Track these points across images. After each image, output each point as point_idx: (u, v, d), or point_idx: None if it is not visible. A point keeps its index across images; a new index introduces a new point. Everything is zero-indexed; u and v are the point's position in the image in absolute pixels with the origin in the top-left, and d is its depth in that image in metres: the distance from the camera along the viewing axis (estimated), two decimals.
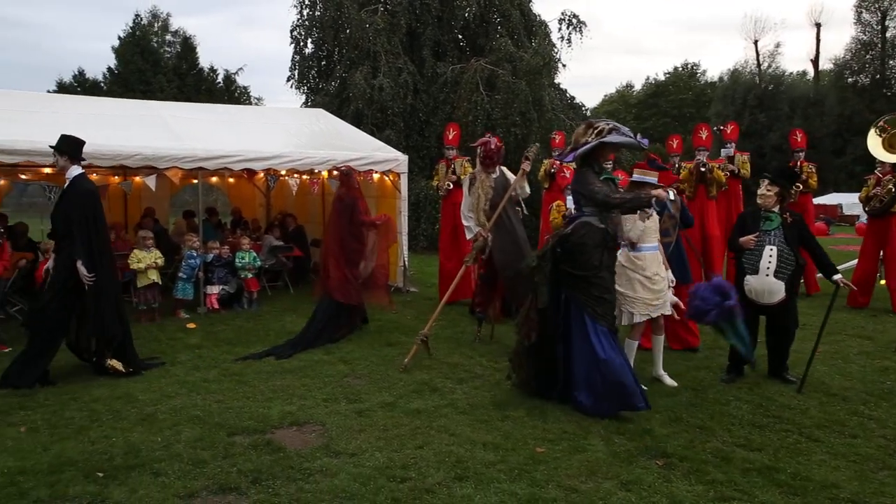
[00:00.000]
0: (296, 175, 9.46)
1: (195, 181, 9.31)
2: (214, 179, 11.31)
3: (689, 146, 9.12)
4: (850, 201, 31.35)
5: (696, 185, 8.38)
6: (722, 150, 9.47)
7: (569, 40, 21.04)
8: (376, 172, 9.65)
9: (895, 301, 8.64)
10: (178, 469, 3.84)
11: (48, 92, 24.73)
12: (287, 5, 43.27)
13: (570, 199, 8.13)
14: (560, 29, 21.09)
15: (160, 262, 8.04)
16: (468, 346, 6.77)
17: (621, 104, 53.43)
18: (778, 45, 53.60)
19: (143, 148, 7.83)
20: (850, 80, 39.42)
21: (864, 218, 18.45)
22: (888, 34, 38.47)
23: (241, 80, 35.53)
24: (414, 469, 3.84)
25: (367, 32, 18.57)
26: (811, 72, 44.07)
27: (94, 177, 9.53)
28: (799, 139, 10.14)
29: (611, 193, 4.77)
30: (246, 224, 11.68)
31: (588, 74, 67.52)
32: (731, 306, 4.94)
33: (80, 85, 30.49)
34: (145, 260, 7.87)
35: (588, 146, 4.76)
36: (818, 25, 43.42)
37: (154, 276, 7.93)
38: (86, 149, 7.34)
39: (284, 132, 10.36)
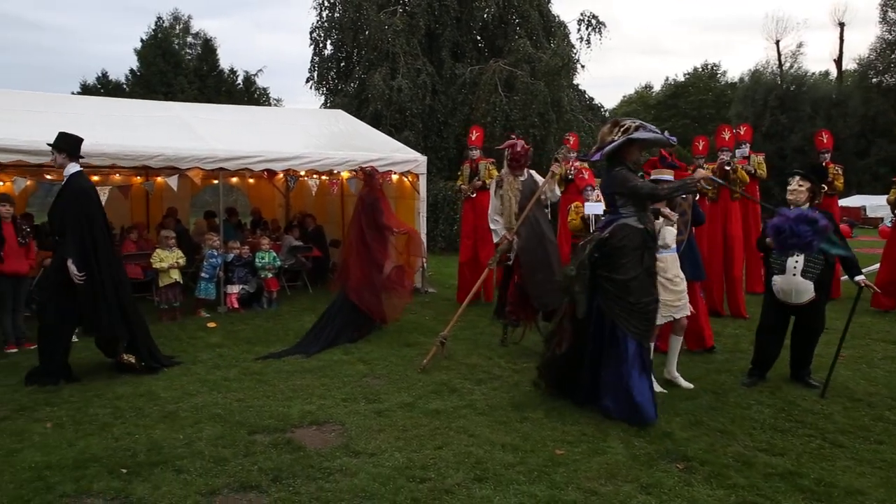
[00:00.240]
0: (315, 176, 9.53)
1: (216, 181, 9.41)
2: (234, 180, 11.42)
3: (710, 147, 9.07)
4: (873, 203, 30.83)
5: (719, 186, 8.31)
6: (737, 150, 9.39)
7: (588, 41, 20.98)
8: (395, 173, 9.69)
9: None
10: (200, 466, 3.88)
11: (72, 94, 25.10)
12: (307, 7, 43.73)
13: (588, 202, 8.12)
14: (579, 30, 21.04)
15: (182, 261, 8.14)
16: (487, 348, 6.77)
17: (640, 105, 53.05)
18: (800, 45, 52.92)
19: (165, 149, 7.93)
20: (874, 80, 38.74)
21: (888, 220, 18.13)
22: None
23: (260, 82, 35.84)
24: (433, 469, 3.85)
25: (385, 34, 18.64)
26: (834, 72, 43.45)
27: (116, 177, 9.72)
28: (825, 140, 9.98)
29: (656, 185, 4.73)
30: (266, 224, 11.78)
31: (607, 75, 67.34)
32: (824, 226, 4.58)
33: (104, 87, 30.93)
34: (167, 259, 7.97)
35: (615, 144, 4.64)
36: (842, 25, 42.79)
37: (176, 276, 8.03)
38: (110, 150, 7.54)
39: (304, 133, 10.43)
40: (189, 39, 35.54)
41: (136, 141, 7.96)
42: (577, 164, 9.61)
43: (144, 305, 8.50)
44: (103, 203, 8.51)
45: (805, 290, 5.23)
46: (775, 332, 5.52)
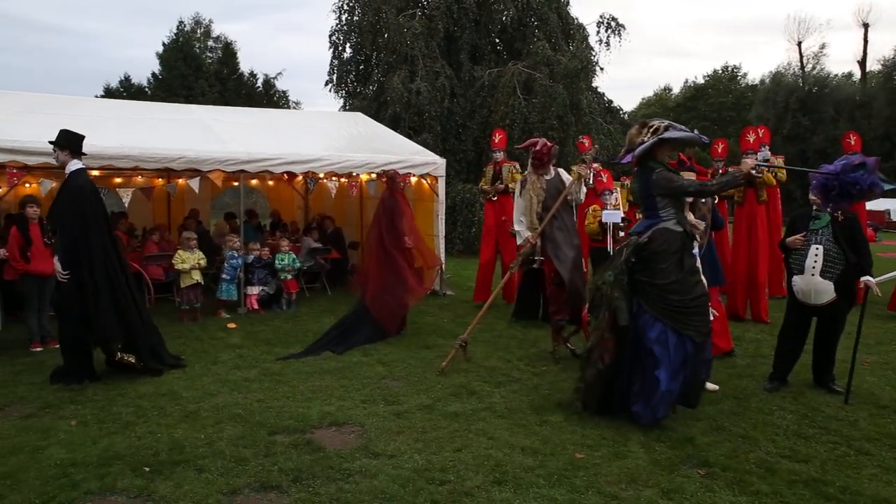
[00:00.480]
0: (334, 178, 9.57)
1: (236, 183, 9.49)
2: (254, 182, 11.51)
3: (731, 150, 8.98)
4: None
5: (745, 189, 8.23)
6: (758, 154, 9.27)
7: (607, 43, 20.88)
8: (414, 176, 9.70)
9: None
10: (221, 466, 3.91)
11: (96, 97, 25.48)
12: (326, 10, 43.95)
13: (607, 208, 8.06)
14: (598, 32, 20.94)
15: (203, 262, 8.22)
16: (506, 350, 6.75)
17: (659, 107, 52.61)
18: (823, 47, 52.04)
19: (187, 151, 8.02)
20: None
21: None
22: None
23: (279, 85, 36.10)
24: (452, 472, 3.84)
25: (404, 37, 18.70)
26: (858, 73, 42.79)
27: (139, 179, 9.85)
28: (853, 142, 9.79)
29: (704, 182, 4.70)
30: (285, 226, 11.86)
31: (626, 77, 66.88)
32: (873, 162, 4.52)
33: (126, 90, 31.34)
34: (189, 260, 8.05)
35: (647, 145, 4.55)
36: (866, 26, 42.14)
37: (197, 277, 8.11)
38: (133, 152, 7.64)
39: (323, 135, 10.49)
40: (210, 43, 35.90)
41: (159, 143, 8.06)
42: (595, 166, 9.56)
43: (166, 306, 8.63)
44: (126, 205, 8.73)
45: (825, 290, 5.17)
46: (795, 334, 5.47)
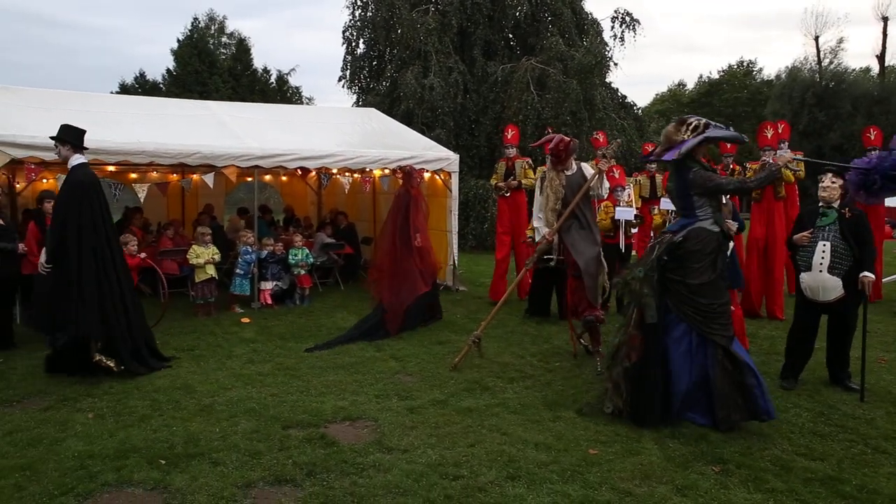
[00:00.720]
0: (347, 173, 9.60)
1: (250, 179, 9.53)
2: (268, 178, 11.57)
3: (741, 147, 8.89)
4: None
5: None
6: (778, 151, 9.17)
7: (621, 38, 20.73)
8: (427, 171, 9.70)
9: None
10: (236, 459, 3.95)
11: (111, 93, 25.70)
12: (339, 6, 43.92)
13: (619, 205, 8.01)
14: (613, 27, 20.81)
15: (217, 257, 8.28)
16: (519, 346, 6.75)
17: (673, 103, 52.23)
18: (840, 41, 51.41)
19: (202, 147, 8.07)
20: None
21: None
22: None
23: (293, 81, 36.22)
24: (466, 467, 3.85)
25: (418, 32, 18.69)
26: (876, 68, 42.21)
27: (153, 174, 9.92)
28: (873, 137, 9.63)
29: (744, 179, 4.67)
30: (298, 221, 11.91)
31: (640, 73, 66.35)
32: None
33: (141, 86, 31.57)
34: (203, 255, 8.11)
35: (693, 142, 4.48)
36: (885, 19, 41.51)
37: (211, 271, 8.18)
38: (148, 147, 7.70)
39: (337, 131, 10.51)
40: (224, 39, 36.12)
41: (174, 139, 8.11)
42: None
43: (180, 300, 8.69)
44: (141, 200, 8.78)
45: (833, 286, 5.13)
46: (805, 332, 5.44)
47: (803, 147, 26.18)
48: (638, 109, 23.65)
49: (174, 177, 10.27)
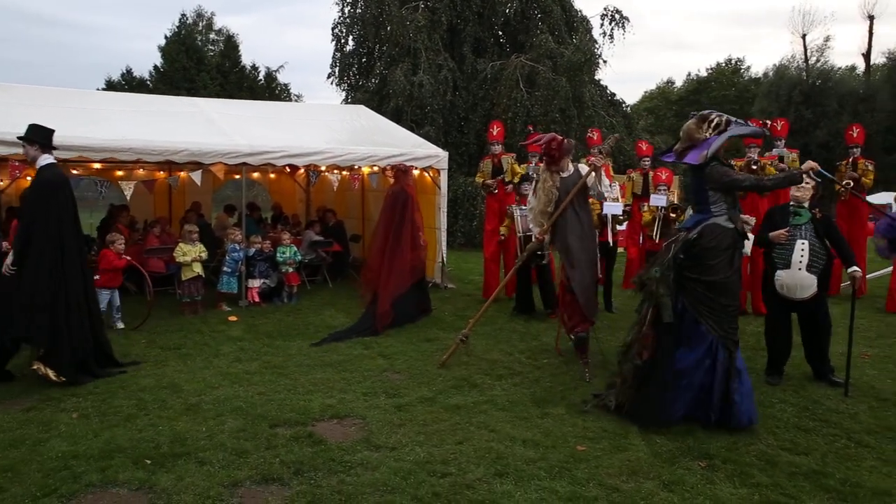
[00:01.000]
0: (336, 171, 9.56)
1: (238, 176, 9.48)
2: (256, 175, 11.51)
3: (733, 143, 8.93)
4: None
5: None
6: (774, 148, 9.22)
7: (611, 36, 20.80)
8: (416, 169, 9.68)
9: None
10: (223, 458, 3.92)
11: (98, 90, 25.46)
12: (329, 3, 43.88)
13: (608, 202, 8.01)
14: (602, 24, 20.87)
15: (204, 255, 8.22)
16: (507, 343, 6.75)
17: (661, 101, 52.47)
18: (827, 39, 51.72)
19: (189, 144, 8.01)
20: None
21: None
22: None
23: (281, 78, 36.07)
24: (454, 464, 3.85)
25: (407, 29, 18.64)
26: (862, 66, 42.58)
27: (140, 172, 9.84)
28: (855, 134, 9.72)
29: (761, 178, 4.64)
30: (286, 219, 11.86)
31: (628, 70, 66.60)
32: None
33: (128, 83, 31.33)
34: (190, 253, 8.06)
35: (720, 140, 4.43)
36: (871, 18, 41.89)
37: (198, 269, 8.12)
38: (135, 144, 7.63)
39: (326, 128, 10.48)
40: (212, 36, 35.88)
41: (161, 136, 8.05)
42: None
43: (166, 299, 8.64)
44: (127, 197, 8.72)
45: (810, 284, 5.21)
46: (781, 329, 5.50)
47: (790, 145, 26.36)
48: (627, 107, 23.71)
49: (161, 174, 10.19)
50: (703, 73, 51.38)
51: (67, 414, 4.65)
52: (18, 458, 3.91)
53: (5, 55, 57.83)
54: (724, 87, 49.03)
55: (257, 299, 8.72)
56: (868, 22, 41.55)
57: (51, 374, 5.24)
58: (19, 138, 5.52)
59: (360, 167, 9.54)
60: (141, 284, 8.23)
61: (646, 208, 8.80)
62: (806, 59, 42.00)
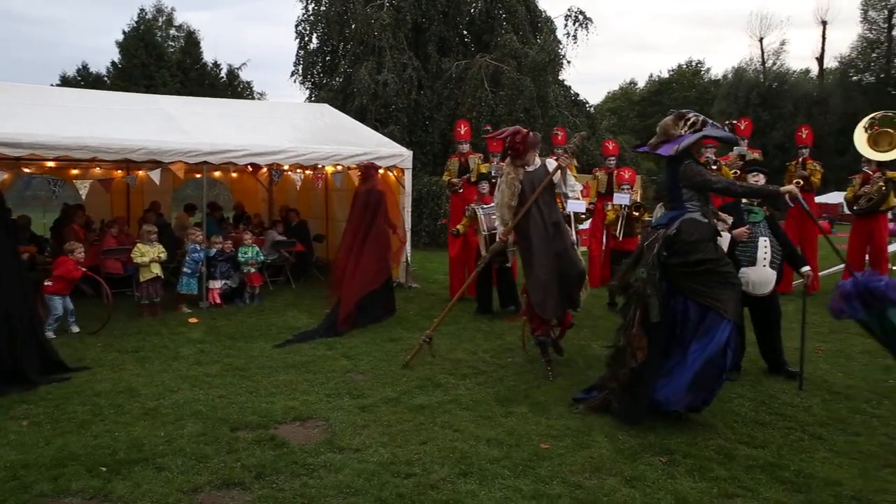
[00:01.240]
0: (299, 170, 9.46)
1: (198, 175, 9.30)
2: (217, 174, 11.32)
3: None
4: None
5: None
6: (735, 147, 9.40)
7: (574, 37, 21.05)
8: (381, 168, 9.63)
9: None
10: (182, 464, 3.83)
11: (51, 86, 24.72)
12: (292, 0, 43.29)
13: (571, 200, 8.08)
14: (566, 25, 21.10)
15: (163, 256, 8.04)
16: (471, 342, 6.76)
17: (624, 101, 53.30)
18: (783, 43, 53.47)
19: (148, 142, 7.83)
20: (854, 78, 39.30)
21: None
22: (895, 32, 38.32)
23: (244, 75, 35.61)
24: (418, 465, 3.83)
25: (372, 28, 18.55)
26: (816, 70, 43.93)
27: (97, 171, 9.58)
28: (804, 136, 10.05)
29: (734, 182, 4.70)
30: (248, 219, 11.69)
31: (592, 71, 67.42)
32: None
33: (84, 79, 30.55)
34: (148, 254, 7.87)
35: (692, 139, 4.52)
36: (824, 23, 43.26)
37: (157, 270, 7.94)
38: (91, 142, 7.43)
39: (289, 127, 10.35)
40: (172, 32, 35.21)
41: (119, 134, 7.85)
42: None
43: (124, 301, 8.42)
44: (83, 197, 8.47)
45: (771, 279, 5.42)
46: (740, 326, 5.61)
47: (748, 145, 27.00)
48: (590, 107, 24.03)
49: (119, 173, 9.94)
50: (665, 75, 52.33)
51: (17, 422, 4.49)
52: None
53: None
54: (685, 88, 50.03)
55: (218, 300, 8.57)
56: (821, 27, 42.90)
57: None
58: None
59: (323, 166, 9.46)
60: (98, 288, 8.00)
61: (609, 207, 8.91)
62: (763, 62, 43.15)
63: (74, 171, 9.59)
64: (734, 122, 9.50)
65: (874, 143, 8.08)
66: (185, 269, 8.34)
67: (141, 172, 8.87)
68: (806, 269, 5.47)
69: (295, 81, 21.81)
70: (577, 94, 22.04)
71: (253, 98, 33.74)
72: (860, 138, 8.13)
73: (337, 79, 20.42)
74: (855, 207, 8.96)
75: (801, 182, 9.61)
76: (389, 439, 4.21)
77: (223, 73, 34.36)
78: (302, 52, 21.30)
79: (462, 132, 9.49)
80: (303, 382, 5.40)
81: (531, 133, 5.73)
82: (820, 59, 43.17)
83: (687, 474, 3.77)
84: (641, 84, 54.88)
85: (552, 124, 16.82)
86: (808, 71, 45.10)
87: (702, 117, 4.64)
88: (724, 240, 5.05)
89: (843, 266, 8.11)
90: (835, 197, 33.59)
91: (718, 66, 67.44)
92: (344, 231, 8.12)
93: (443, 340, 6.66)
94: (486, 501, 3.45)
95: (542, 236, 5.56)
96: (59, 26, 61.73)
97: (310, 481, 3.64)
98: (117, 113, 9.01)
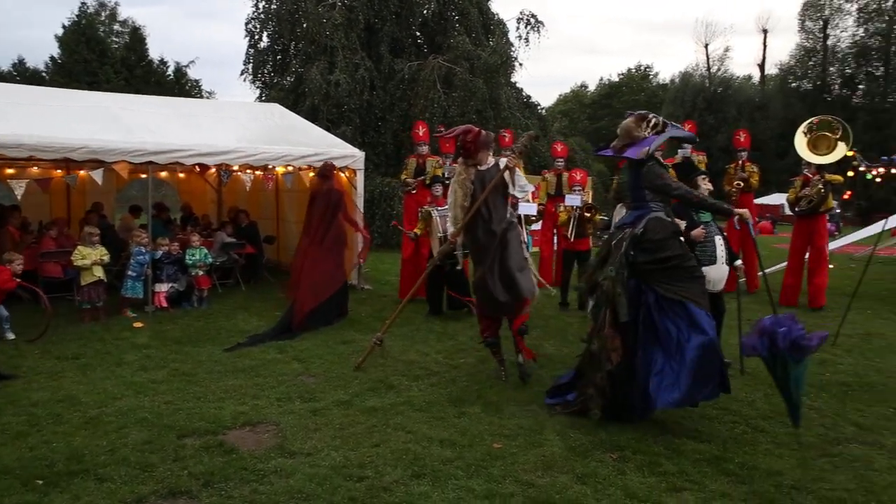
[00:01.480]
0: (249, 170, 9.28)
1: (144, 176, 9.03)
2: (164, 174, 11.00)
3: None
4: None
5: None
6: (679, 150, 9.65)
7: (526, 39, 21.23)
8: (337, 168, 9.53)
9: (818, 297, 8.95)
10: (125, 474, 3.70)
11: None
12: None
13: (521, 202, 8.14)
14: (518, 28, 21.28)
15: (106, 258, 7.77)
16: (423, 344, 6.75)
17: (575, 104, 54.20)
18: (727, 50, 55.28)
19: (89, 141, 7.53)
20: (793, 84, 40.94)
21: None
22: (829, 42, 40.07)
23: (192, 73, 34.79)
24: (371, 468, 3.80)
25: (324, 27, 18.36)
26: (758, 76, 45.58)
27: (35, 170, 9.20)
28: (742, 139, 10.43)
29: (691, 191, 4.73)
30: (196, 220, 11.40)
31: (544, 74, 68.36)
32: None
33: (20, 74, 29.31)
34: (90, 256, 7.59)
35: (659, 140, 4.57)
36: (765, 31, 45.02)
37: (99, 273, 7.66)
38: (28, 140, 7.12)
39: (238, 126, 10.14)
40: (116, 27, 34.15)
41: (58, 131, 7.53)
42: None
43: (64, 306, 8.10)
44: (18, 197, 8.12)
45: (725, 276, 5.61)
46: None
47: (693, 148, 27.78)
48: (542, 109, 24.34)
49: (58, 172, 9.56)
50: (616, 79, 53.38)
51: None
52: None
53: None
54: (634, 91, 51.16)
55: (165, 304, 8.32)
56: (763, 35, 44.52)
57: None
58: None
59: (274, 167, 9.30)
60: (35, 293, 7.67)
61: (561, 208, 9.02)
62: (709, 68, 44.49)
63: (10, 171, 9.19)
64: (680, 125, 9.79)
65: (813, 146, 8.37)
66: (129, 272, 8.06)
67: (82, 172, 8.55)
68: (738, 262, 5.73)
69: (245, 80, 21.42)
70: (529, 97, 22.31)
71: (201, 97, 32.98)
72: (800, 142, 8.42)
73: (288, 78, 20.13)
74: (796, 209, 9.28)
75: (742, 184, 9.96)
76: (341, 442, 4.16)
77: (170, 71, 33.50)
78: (252, 51, 20.93)
79: (420, 133, 9.47)
80: (253, 387, 5.29)
81: (483, 132, 5.58)
82: (761, 66, 44.88)
83: (637, 470, 3.84)
84: (592, 87, 55.93)
85: (504, 126, 16.97)
86: (750, 77, 46.78)
87: (661, 118, 4.74)
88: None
89: (783, 265, 8.42)
90: (777, 198, 34.88)
91: (666, 70, 69.29)
92: (302, 232, 8.01)
93: (395, 342, 6.63)
94: (440, 502, 3.44)
95: (487, 233, 5.42)
96: None
97: (260, 487, 3.56)
98: (57, 110, 8.66)
